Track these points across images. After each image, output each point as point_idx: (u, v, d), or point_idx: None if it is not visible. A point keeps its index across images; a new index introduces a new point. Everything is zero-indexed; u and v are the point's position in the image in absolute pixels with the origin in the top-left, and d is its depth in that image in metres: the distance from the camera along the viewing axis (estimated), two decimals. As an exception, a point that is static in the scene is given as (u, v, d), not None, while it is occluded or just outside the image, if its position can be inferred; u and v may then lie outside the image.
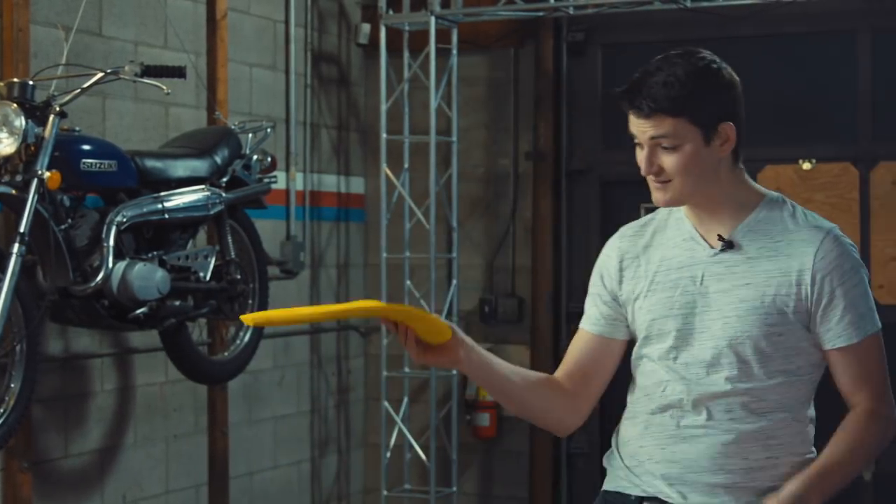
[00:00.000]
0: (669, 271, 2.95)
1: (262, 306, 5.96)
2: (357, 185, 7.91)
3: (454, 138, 7.47)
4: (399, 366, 7.55)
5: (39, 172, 4.71)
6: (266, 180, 5.96)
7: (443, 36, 7.38)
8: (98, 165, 5.01)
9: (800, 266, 2.83)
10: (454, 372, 7.44)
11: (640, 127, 2.86)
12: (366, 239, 7.96)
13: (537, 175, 7.66)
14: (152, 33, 6.13)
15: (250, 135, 5.91)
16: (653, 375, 2.98)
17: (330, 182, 7.64)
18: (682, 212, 2.99)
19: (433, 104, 7.29)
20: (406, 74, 7.48)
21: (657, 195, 2.91)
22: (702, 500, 2.90)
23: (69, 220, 4.96)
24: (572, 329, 7.51)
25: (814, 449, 2.96)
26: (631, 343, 3.08)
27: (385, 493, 7.39)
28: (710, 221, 2.93)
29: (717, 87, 2.89)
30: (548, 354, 7.59)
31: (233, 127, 5.89)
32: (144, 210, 5.19)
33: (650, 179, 2.90)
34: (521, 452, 7.66)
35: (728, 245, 2.89)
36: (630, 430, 3.05)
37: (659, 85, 2.81)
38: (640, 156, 2.89)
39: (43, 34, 5.48)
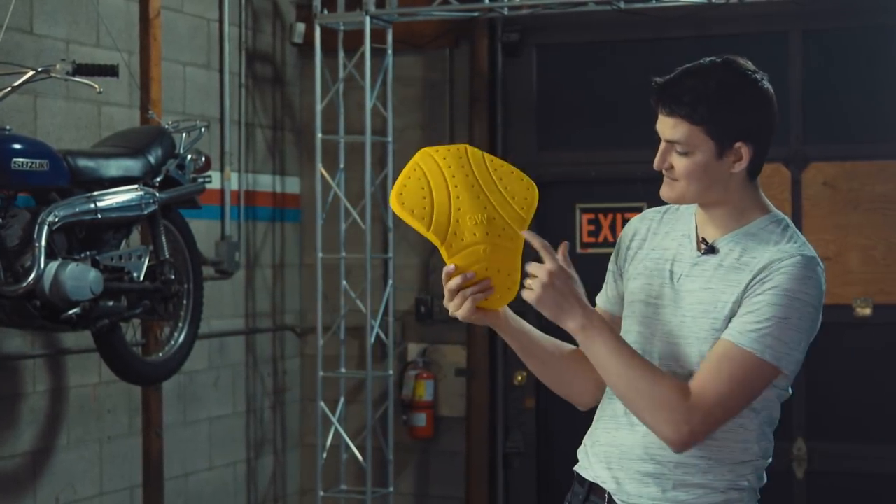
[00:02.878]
0: (658, 261, 2.98)
1: (197, 307, 5.93)
2: (292, 184, 7.89)
3: (389, 138, 7.48)
4: (335, 366, 7.54)
5: (-31, 171, 4.66)
6: (200, 180, 5.93)
7: (378, 36, 7.38)
8: (29, 164, 4.96)
9: (749, 276, 2.82)
10: (390, 372, 7.45)
11: (661, 124, 2.89)
12: (301, 239, 7.94)
13: (471, 175, 7.66)
14: (84, 31, 6.09)
15: (184, 134, 5.87)
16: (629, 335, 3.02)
17: (265, 182, 7.62)
18: (693, 207, 3.01)
19: (368, 104, 7.28)
20: (341, 74, 7.48)
21: (664, 189, 2.94)
22: (633, 489, 2.91)
23: (0, 220, 4.91)
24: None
25: (759, 453, 2.91)
26: None
27: (321, 493, 7.38)
28: (708, 224, 2.95)
29: (745, 106, 2.87)
30: (484, 354, 7.60)
31: (166, 126, 5.85)
32: (77, 210, 5.15)
33: (663, 172, 2.94)
34: (456, 452, 7.67)
35: (710, 250, 2.91)
36: (598, 412, 3.10)
37: (687, 90, 2.84)
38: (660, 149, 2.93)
39: (-27, 32, 5.43)
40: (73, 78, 4.96)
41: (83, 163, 5.26)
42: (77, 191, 5.21)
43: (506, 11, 7.23)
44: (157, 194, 5.55)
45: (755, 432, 2.90)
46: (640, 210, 7.47)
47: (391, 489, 7.47)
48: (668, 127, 2.87)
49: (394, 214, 7.48)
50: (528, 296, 2.82)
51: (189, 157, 5.84)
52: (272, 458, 7.69)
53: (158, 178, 5.59)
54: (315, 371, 7.48)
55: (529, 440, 7.60)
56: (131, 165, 5.47)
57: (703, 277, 2.88)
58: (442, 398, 7.71)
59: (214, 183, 6.71)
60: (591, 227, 7.65)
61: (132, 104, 6.37)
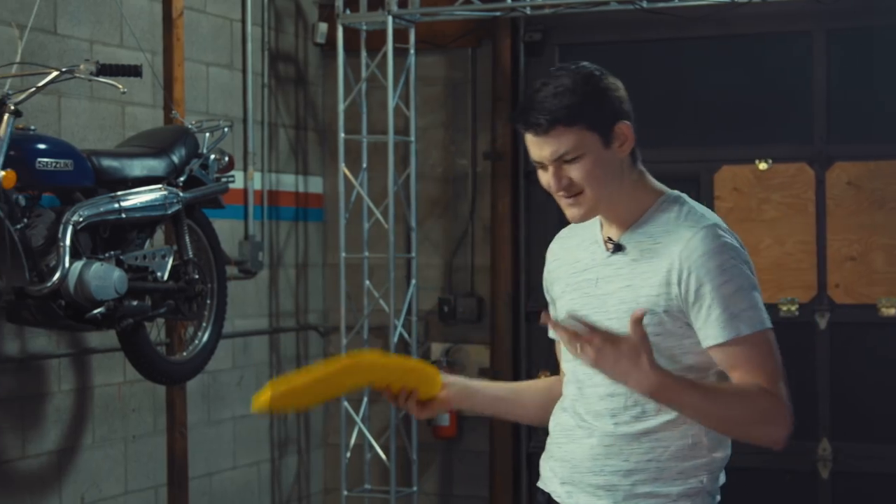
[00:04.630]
0: (576, 273, 2.98)
1: (221, 307, 5.94)
2: (315, 184, 7.90)
3: (412, 138, 7.48)
4: (358, 366, 7.53)
5: (-6, 171, 4.68)
6: (223, 180, 5.94)
7: (400, 35, 7.39)
8: (54, 164, 4.99)
9: (668, 265, 2.82)
10: (413, 371, 7.44)
11: (540, 147, 2.85)
12: (324, 238, 7.95)
13: (496, 175, 7.67)
14: (108, 32, 6.11)
15: (207, 134, 5.89)
16: (566, 375, 3.02)
17: (288, 182, 7.63)
18: None
19: (391, 104, 7.29)
20: (364, 74, 7.48)
21: (572, 211, 2.90)
22: (584, 500, 2.90)
23: (25, 220, 4.92)
24: (532, 328, 7.55)
25: (708, 454, 2.87)
26: None
27: (345, 493, 7.39)
28: (611, 223, 2.95)
29: (605, 90, 2.90)
30: (507, 354, 7.60)
31: (190, 126, 5.87)
32: (101, 209, 5.17)
33: (560, 198, 2.89)
34: (481, 452, 7.67)
35: (617, 248, 2.91)
36: (550, 425, 3.10)
37: (550, 97, 2.82)
38: (546, 177, 2.88)
39: (-2, 33, 5.46)
40: (97, 78, 4.97)
41: (107, 163, 5.28)
42: (101, 190, 5.23)
43: (528, 11, 7.22)
44: (181, 194, 5.56)
45: (701, 427, 2.86)
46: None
47: (415, 489, 7.47)
48: (550, 144, 2.83)
49: (417, 213, 7.52)
50: (585, 358, 2.74)
51: (212, 156, 5.85)
52: (296, 457, 7.70)
53: (182, 178, 5.61)
54: (338, 371, 7.47)
55: (553, 440, 7.59)
56: (155, 165, 5.49)
57: (619, 276, 2.88)
58: (465, 398, 7.69)
59: (238, 183, 6.72)
60: (615, 227, 7.62)
61: (156, 104, 6.39)
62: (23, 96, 4.88)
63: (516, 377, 7.61)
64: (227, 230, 6.75)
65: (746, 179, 7.32)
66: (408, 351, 7.56)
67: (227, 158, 5.97)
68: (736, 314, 2.77)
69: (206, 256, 5.91)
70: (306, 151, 7.83)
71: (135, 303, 5.34)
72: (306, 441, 7.79)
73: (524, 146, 8.23)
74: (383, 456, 7.39)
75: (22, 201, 4.94)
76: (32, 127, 5.07)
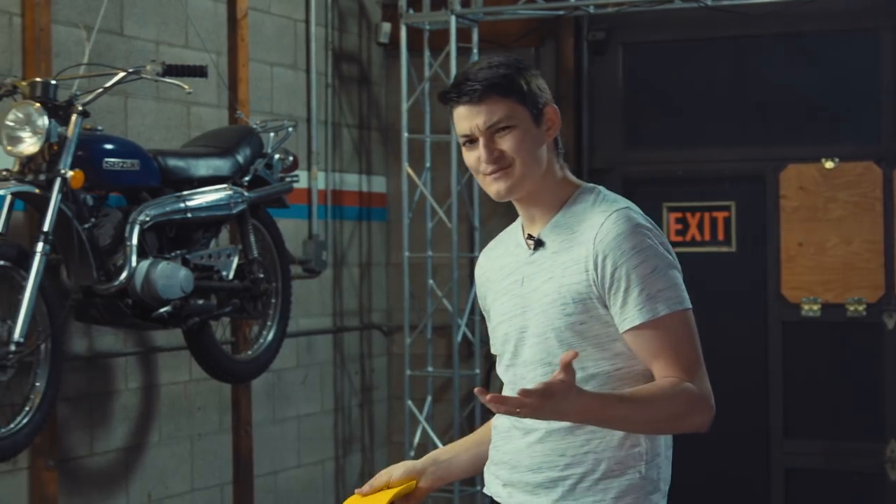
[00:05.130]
0: (504, 278, 2.97)
1: (285, 306, 5.97)
2: (379, 184, 7.92)
3: (476, 137, 7.46)
4: (422, 365, 7.56)
5: (62, 171, 4.73)
6: (288, 179, 5.97)
7: (463, 35, 7.39)
8: (121, 164, 5.03)
9: (585, 252, 2.81)
10: (477, 371, 7.45)
11: (472, 118, 2.84)
12: (388, 238, 7.97)
13: (559, 174, 7.64)
14: (173, 33, 6.16)
15: (272, 134, 5.92)
16: (505, 380, 3.00)
17: (352, 181, 7.66)
18: (518, 220, 3.02)
19: (454, 103, 7.27)
20: (427, 73, 7.49)
21: (498, 186, 2.87)
22: (524, 499, 2.88)
23: (92, 220, 4.98)
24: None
25: (645, 442, 2.85)
26: None
27: (408, 492, 7.38)
28: (531, 220, 2.95)
29: (536, 74, 2.91)
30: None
31: (254, 126, 5.90)
32: (167, 209, 5.21)
33: (485, 174, 2.87)
34: (544, 451, 7.64)
35: (538, 244, 2.91)
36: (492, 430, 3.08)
37: (485, 69, 2.85)
38: (473, 153, 2.87)
39: (65, 34, 5.51)
40: (162, 79, 5.01)
41: (173, 163, 5.32)
42: (167, 190, 5.27)
43: (592, 9, 7.20)
44: (246, 194, 5.59)
45: None
46: (728, 210, 7.50)
47: (479, 488, 7.46)
48: (483, 113, 2.83)
49: (481, 212, 7.51)
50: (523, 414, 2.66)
51: (277, 156, 5.88)
52: (360, 456, 7.72)
53: (247, 178, 5.64)
54: (402, 370, 7.50)
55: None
56: (220, 165, 5.53)
57: (542, 271, 2.88)
58: (528, 397, 7.68)
59: (302, 182, 6.75)
60: (679, 227, 7.60)
61: (220, 104, 6.43)
62: (90, 97, 4.93)
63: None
64: (291, 229, 6.78)
65: (812, 178, 7.26)
66: (471, 350, 7.56)
67: (291, 158, 6.00)
68: (653, 295, 2.77)
69: (271, 256, 5.94)
70: (370, 151, 7.85)
71: (200, 302, 5.38)
72: (370, 439, 7.81)
73: (587, 145, 8.19)
74: (447, 455, 7.38)
75: (90, 201, 5.00)
76: (100, 127, 5.12)
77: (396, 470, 3.10)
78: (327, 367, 7.42)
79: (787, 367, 7.39)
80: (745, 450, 7.45)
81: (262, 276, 5.72)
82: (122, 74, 5.02)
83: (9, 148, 4.74)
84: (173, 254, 5.27)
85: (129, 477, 5.90)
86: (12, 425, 4.75)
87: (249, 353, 6.00)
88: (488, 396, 2.54)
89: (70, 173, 4.74)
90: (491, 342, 3.08)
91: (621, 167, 7.67)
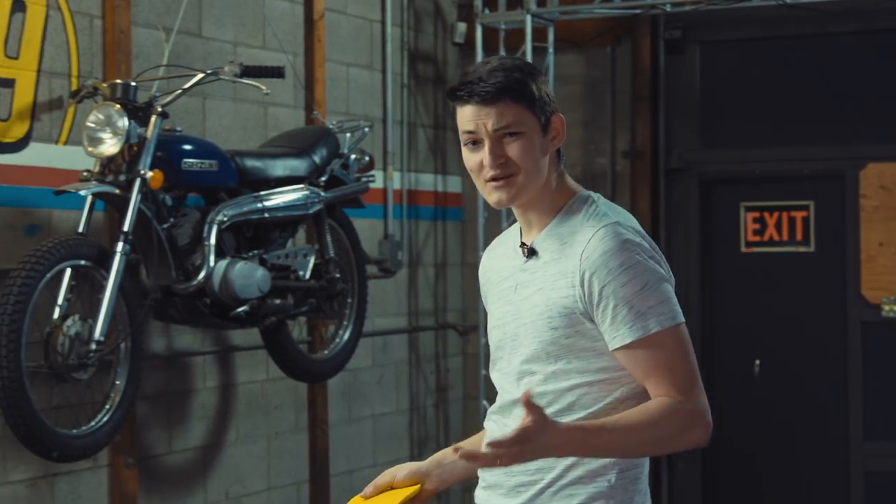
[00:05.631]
0: (500, 282, 2.91)
1: (361, 305, 5.99)
2: (454, 184, 7.92)
3: (551, 137, 7.44)
4: (497, 365, 7.53)
5: (142, 172, 4.78)
6: (364, 179, 5.99)
7: (539, 34, 7.37)
8: (199, 165, 5.07)
9: (572, 267, 2.73)
10: (552, 371, 7.41)
11: (482, 118, 2.75)
12: (463, 238, 7.97)
13: (635, 173, 7.62)
14: (251, 34, 6.19)
15: (348, 134, 5.94)
16: (497, 385, 2.93)
17: (427, 181, 7.66)
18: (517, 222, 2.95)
19: (530, 103, 7.26)
20: (502, 73, 7.46)
21: (499, 195, 2.78)
22: (499, 503, 2.84)
23: (171, 220, 5.03)
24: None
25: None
26: None
27: (484, 491, 7.38)
28: (529, 227, 2.87)
29: (545, 80, 2.83)
30: (646, 353, 7.53)
31: (331, 126, 5.92)
32: (245, 209, 5.24)
33: (486, 181, 2.78)
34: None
35: (531, 252, 2.83)
36: None
37: (498, 71, 2.75)
38: (477, 156, 2.78)
39: (144, 36, 5.56)
40: (240, 80, 5.04)
41: (251, 163, 5.35)
42: (245, 190, 5.31)
43: (668, 8, 7.16)
44: (323, 194, 5.61)
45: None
46: (806, 209, 7.43)
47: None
48: (492, 116, 2.74)
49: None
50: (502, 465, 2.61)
51: (353, 156, 5.90)
52: (435, 455, 7.72)
53: (324, 178, 5.66)
54: (477, 369, 7.50)
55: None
56: (297, 165, 5.55)
57: (533, 281, 2.81)
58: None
59: (377, 182, 6.77)
60: (757, 226, 7.54)
61: (297, 105, 6.46)
62: (169, 98, 4.98)
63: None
64: (367, 229, 6.80)
65: (893, 177, 7.17)
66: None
67: (367, 158, 6.01)
68: (643, 312, 2.68)
69: (347, 255, 5.96)
70: (445, 151, 7.86)
71: (277, 301, 5.41)
72: (445, 439, 7.81)
73: (664, 145, 8.14)
74: (522, 455, 7.36)
75: (168, 201, 5.04)
76: (178, 128, 5.16)
77: (401, 471, 3.06)
78: (402, 366, 7.43)
79: (867, 368, 7.31)
80: (824, 452, 7.37)
81: (338, 275, 5.74)
82: (200, 76, 5.06)
83: (90, 149, 4.79)
84: (251, 254, 5.30)
85: (206, 475, 5.94)
86: (93, 423, 4.81)
87: (325, 352, 6.02)
88: (459, 453, 2.53)
89: (149, 174, 4.78)
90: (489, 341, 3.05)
91: (698, 167, 7.61)
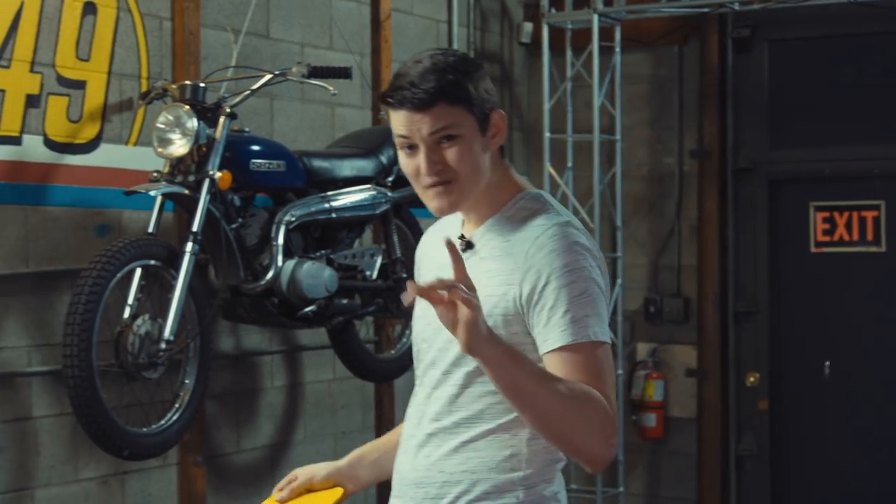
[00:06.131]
0: (435, 271, 2.73)
1: (428, 305, 5.99)
2: (520, 184, 7.89)
3: (618, 137, 7.43)
4: (564, 365, 7.51)
5: (211, 173, 4.81)
6: (431, 179, 5.98)
7: (606, 34, 7.34)
8: (267, 165, 5.10)
9: (514, 264, 2.61)
10: (620, 371, 7.39)
11: (414, 124, 2.60)
12: (530, 238, 7.94)
13: (703, 173, 7.58)
14: (318, 35, 6.22)
15: (415, 134, 5.93)
16: (420, 379, 2.82)
17: (494, 181, 7.64)
18: None
19: (597, 102, 7.25)
20: (569, 73, 7.46)
21: (440, 202, 2.65)
22: None
23: (239, 220, 5.05)
24: (741, 329, 7.43)
25: (526, 467, 2.65)
26: None
27: (550, 492, 7.36)
28: (469, 218, 2.75)
29: (484, 76, 2.69)
30: (715, 355, 7.49)
31: (398, 127, 5.92)
32: (312, 209, 5.26)
33: (425, 187, 2.65)
34: (688, 454, 7.58)
35: (468, 245, 2.70)
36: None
37: (431, 73, 2.60)
38: (413, 161, 2.64)
39: (213, 37, 5.60)
40: (308, 80, 5.06)
41: (318, 163, 5.37)
42: (312, 191, 5.33)
43: (737, 6, 7.11)
44: (390, 194, 5.62)
45: (522, 439, 2.65)
46: (877, 209, 7.35)
47: (622, 489, 7.42)
48: (426, 121, 2.59)
49: (623, 211, 7.46)
50: (461, 336, 2.42)
51: (420, 156, 5.89)
52: (501, 456, 7.71)
53: (390, 178, 5.66)
54: (544, 370, 7.47)
55: (763, 442, 7.46)
56: (364, 165, 5.56)
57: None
58: (672, 399, 7.63)
59: (444, 182, 6.76)
60: (826, 226, 7.47)
61: (364, 105, 6.48)
62: (238, 99, 5.00)
63: (724, 378, 7.51)
64: (433, 230, 6.79)
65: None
66: (613, 352, 7.49)
67: (435, 158, 6.00)
68: (579, 318, 2.55)
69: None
70: (511, 151, 7.85)
71: (345, 301, 5.42)
72: (512, 440, 7.80)
73: (732, 144, 8.09)
74: (589, 456, 7.33)
75: (237, 201, 5.07)
76: (247, 129, 5.19)
77: (319, 472, 2.97)
78: (469, 366, 7.42)
79: (940, 370, 7.24)
80: (894, 455, 7.29)
81: (405, 275, 5.74)
82: (268, 76, 5.08)
83: (159, 150, 4.83)
84: (318, 254, 5.32)
85: (274, 473, 5.97)
86: (162, 422, 4.85)
87: (392, 352, 6.03)
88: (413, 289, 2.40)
89: (218, 174, 4.81)
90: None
91: (766, 166, 7.55)
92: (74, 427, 4.81)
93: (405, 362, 6.00)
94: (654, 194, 7.74)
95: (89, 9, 5.11)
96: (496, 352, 2.46)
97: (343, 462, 2.99)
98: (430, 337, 2.74)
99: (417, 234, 5.97)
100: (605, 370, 2.57)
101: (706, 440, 7.50)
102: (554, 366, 2.56)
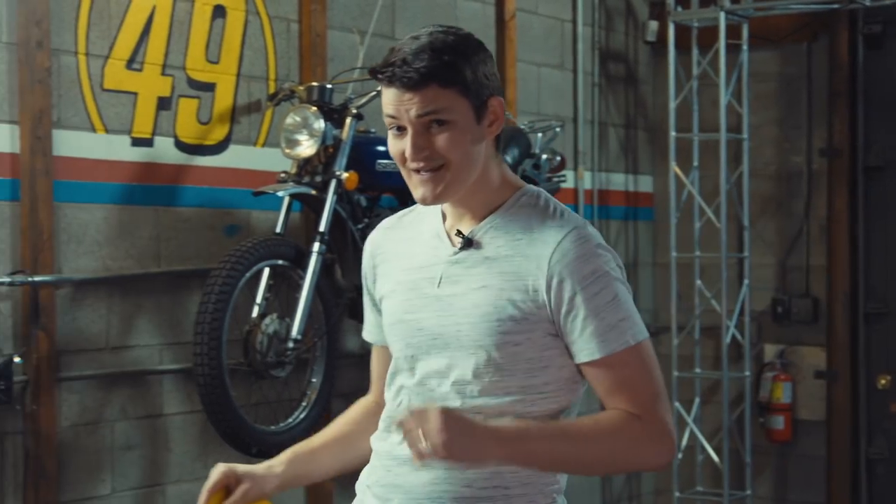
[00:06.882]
0: (411, 270, 2.58)
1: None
2: (645, 183, 7.85)
3: (745, 135, 7.34)
4: (690, 366, 7.46)
5: (338, 173, 4.85)
6: (555, 179, 5.98)
7: (732, 31, 7.26)
8: (393, 166, 5.11)
9: (536, 268, 2.45)
10: (747, 373, 7.31)
11: (403, 104, 2.44)
12: (655, 238, 7.90)
13: (832, 172, 7.46)
14: (443, 36, 6.23)
15: (540, 134, 5.94)
16: (393, 386, 2.64)
17: (618, 181, 7.62)
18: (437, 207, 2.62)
19: (723, 101, 7.17)
20: (695, 71, 7.39)
21: (424, 190, 2.47)
22: None
23: (366, 220, 5.09)
24: (871, 330, 7.31)
25: (557, 476, 2.55)
26: None
27: (677, 494, 7.31)
28: (459, 216, 2.57)
29: (486, 58, 2.52)
30: (844, 356, 7.37)
31: (522, 127, 5.93)
32: (438, 209, 5.27)
33: (412, 173, 2.48)
34: (817, 457, 7.46)
35: (468, 243, 2.53)
36: (373, 443, 2.71)
37: (425, 52, 2.43)
38: (399, 144, 2.48)
39: (339, 39, 5.64)
40: (433, 81, 5.06)
41: (444, 163, 5.38)
42: (437, 190, 5.33)
43: (868, 2, 6.99)
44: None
45: None
46: None
47: (749, 492, 7.33)
48: (415, 102, 2.43)
49: (750, 211, 7.37)
50: (431, 453, 2.31)
51: (545, 156, 5.90)
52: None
53: (516, 177, 5.66)
54: (670, 371, 7.41)
55: (894, 446, 7.32)
56: (489, 166, 5.56)
57: (471, 276, 2.51)
58: (800, 401, 7.52)
59: (568, 182, 6.76)
60: (959, 228, 7.32)
61: (489, 106, 6.48)
62: (364, 100, 5.03)
63: (854, 380, 7.38)
64: (558, 229, 6.78)
65: None
66: (740, 353, 7.43)
67: (559, 158, 6.01)
68: (613, 325, 2.44)
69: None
70: (636, 150, 7.80)
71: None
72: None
73: (862, 142, 7.96)
74: (716, 458, 7.28)
75: (363, 202, 5.11)
76: (373, 130, 5.23)
77: (237, 472, 2.71)
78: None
79: None
80: None
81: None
82: (394, 77, 5.10)
83: (287, 150, 4.88)
84: (442, 254, 5.33)
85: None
86: (290, 420, 4.90)
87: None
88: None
89: (345, 175, 4.85)
90: (366, 331, 2.81)
91: (897, 165, 7.42)
92: (204, 424, 4.88)
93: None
94: (782, 193, 7.64)
95: (219, 12, 5.18)
96: (506, 451, 2.38)
97: (273, 465, 2.80)
98: (430, 344, 2.56)
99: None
100: (648, 371, 2.48)
101: (835, 443, 7.38)
102: (594, 377, 2.49)
